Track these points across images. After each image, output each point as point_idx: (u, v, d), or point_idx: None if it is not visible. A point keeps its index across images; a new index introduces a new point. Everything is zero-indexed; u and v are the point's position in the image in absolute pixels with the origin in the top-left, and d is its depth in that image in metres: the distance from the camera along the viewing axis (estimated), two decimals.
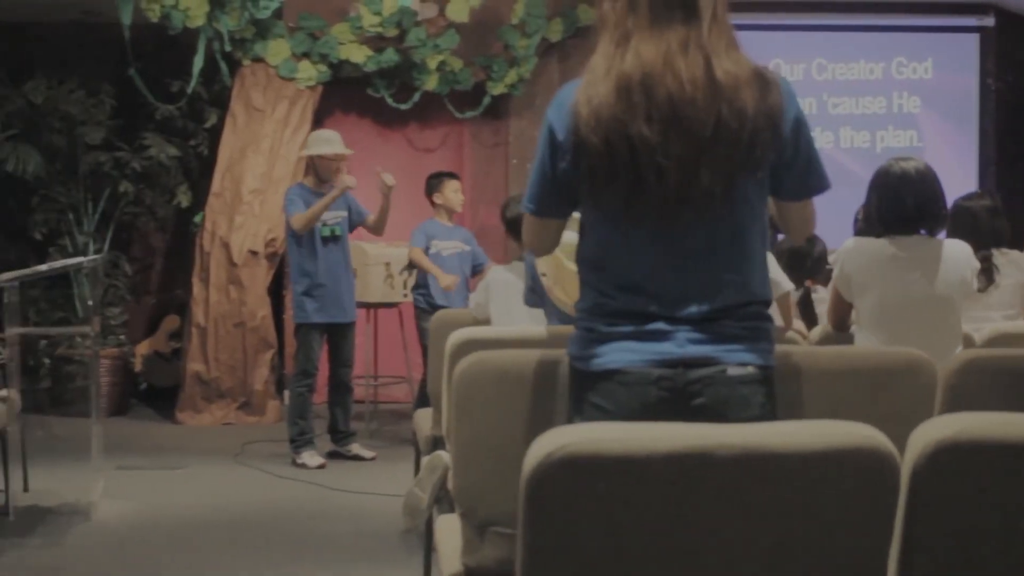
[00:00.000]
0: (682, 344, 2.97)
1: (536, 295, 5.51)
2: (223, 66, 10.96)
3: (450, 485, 4.29)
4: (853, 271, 5.07)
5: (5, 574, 6.12)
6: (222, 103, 11.50)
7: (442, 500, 4.69)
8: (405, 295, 9.87)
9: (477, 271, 9.55)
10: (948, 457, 2.24)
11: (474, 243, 9.71)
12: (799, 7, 11.98)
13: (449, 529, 4.01)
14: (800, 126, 3.04)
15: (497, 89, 11.48)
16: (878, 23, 12.23)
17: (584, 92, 2.98)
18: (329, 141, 8.89)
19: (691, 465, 2.22)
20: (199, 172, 11.92)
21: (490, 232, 11.37)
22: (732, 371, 2.97)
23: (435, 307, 8.95)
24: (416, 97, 11.37)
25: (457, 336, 4.46)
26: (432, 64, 11.22)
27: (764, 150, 2.94)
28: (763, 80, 2.96)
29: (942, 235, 5.22)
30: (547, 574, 2.28)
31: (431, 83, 11.30)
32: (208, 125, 11.82)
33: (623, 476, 2.21)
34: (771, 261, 5.36)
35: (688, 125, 2.90)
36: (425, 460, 5.02)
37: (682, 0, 2.97)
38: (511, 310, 6.36)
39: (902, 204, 5.05)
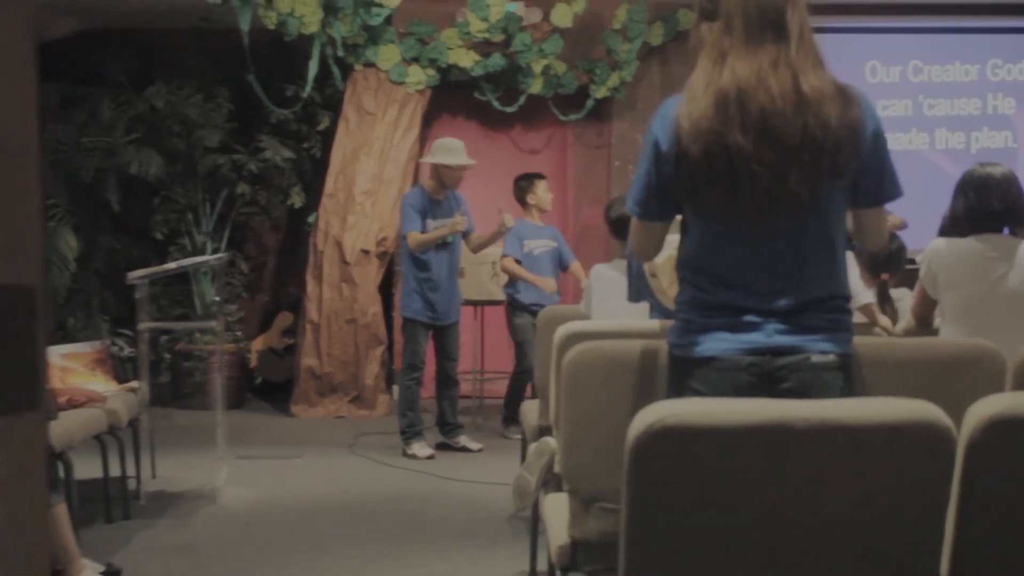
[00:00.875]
0: (770, 334, 3.28)
1: (639, 291, 5.79)
2: (335, 71, 11.36)
3: (557, 468, 4.59)
4: (939, 269, 5.33)
5: (142, 550, 6.51)
6: (334, 106, 11.91)
7: (548, 483, 5.00)
8: None
9: (563, 268, 9.92)
10: (998, 430, 2.55)
11: (561, 240, 10.08)
12: (895, 10, 12.09)
13: (557, 506, 4.35)
14: (878, 137, 3.33)
15: (600, 92, 11.74)
16: (973, 25, 12.28)
17: (685, 107, 3.31)
18: (452, 151, 9.10)
19: (773, 435, 2.54)
20: (312, 173, 12.32)
21: (593, 232, 11.69)
22: (815, 359, 3.28)
23: (526, 306, 9.40)
24: (521, 100, 11.67)
25: (564, 329, 4.76)
26: (537, 68, 11.53)
27: (846, 158, 3.25)
28: (845, 95, 3.27)
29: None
30: (648, 531, 2.61)
31: (536, 86, 11.60)
32: (321, 128, 12.22)
33: (714, 444, 2.54)
34: (853, 274, 5.65)
35: (778, 135, 3.21)
36: (533, 446, 5.32)
37: (772, 23, 3.29)
38: (612, 305, 6.65)
39: (988, 206, 5.32)
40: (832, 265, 3.37)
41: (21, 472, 1.45)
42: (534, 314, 9.56)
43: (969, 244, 5.32)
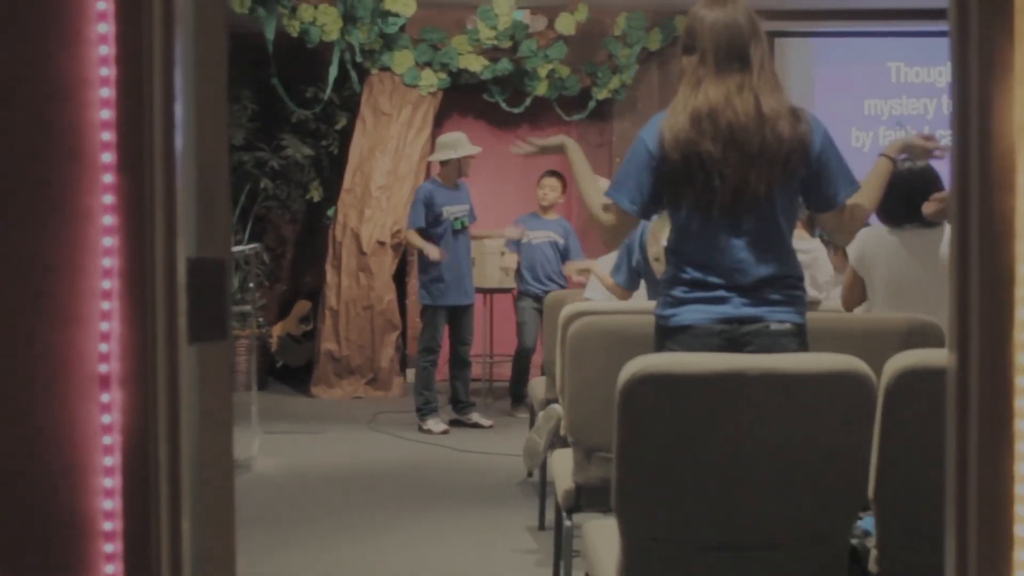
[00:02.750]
0: (737, 306, 4.02)
1: (634, 272, 6.54)
2: (353, 75, 12.03)
3: (562, 430, 5.30)
4: (865, 252, 5.84)
5: None
6: (351, 107, 12.54)
7: (555, 444, 5.70)
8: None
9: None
10: (909, 378, 3.25)
11: (571, 237, 10.76)
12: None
13: (563, 458, 5.07)
14: (825, 144, 4.08)
15: (601, 94, 12.46)
16: None
17: (667, 122, 4.07)
18: (462, 143, 9.78)
19: (731, 381, 3.26)
20: (329, 169, 12.92)
21: (595, 226, 12.31)
22: (774, 327, 4.02)
23: (528, 292, 10.36)
24: (528, 102, 12.37)
25: (568, 309, 5.46)
26: (542, 72, 12.23)
27: (796, 165, 4.01)
28: (796, 114, 4.04)
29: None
30: (634, 458, 3.32)
31: (541, 89, 12.30)
32: (338, 127, 12.82)
33: (684, 388, 3.25)
34: (826, 267, 6.34)
35: (741, 145, 3.97)
36: (541, 413, 6.03)
37: (739, 56, 4.04)
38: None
39: (898, 199, 5.65)
40: (785, 249, 4.09)
41: (216, 378, 2.18)
42: (536, 299, 10.32)
43: (886, 232, 5.79)
